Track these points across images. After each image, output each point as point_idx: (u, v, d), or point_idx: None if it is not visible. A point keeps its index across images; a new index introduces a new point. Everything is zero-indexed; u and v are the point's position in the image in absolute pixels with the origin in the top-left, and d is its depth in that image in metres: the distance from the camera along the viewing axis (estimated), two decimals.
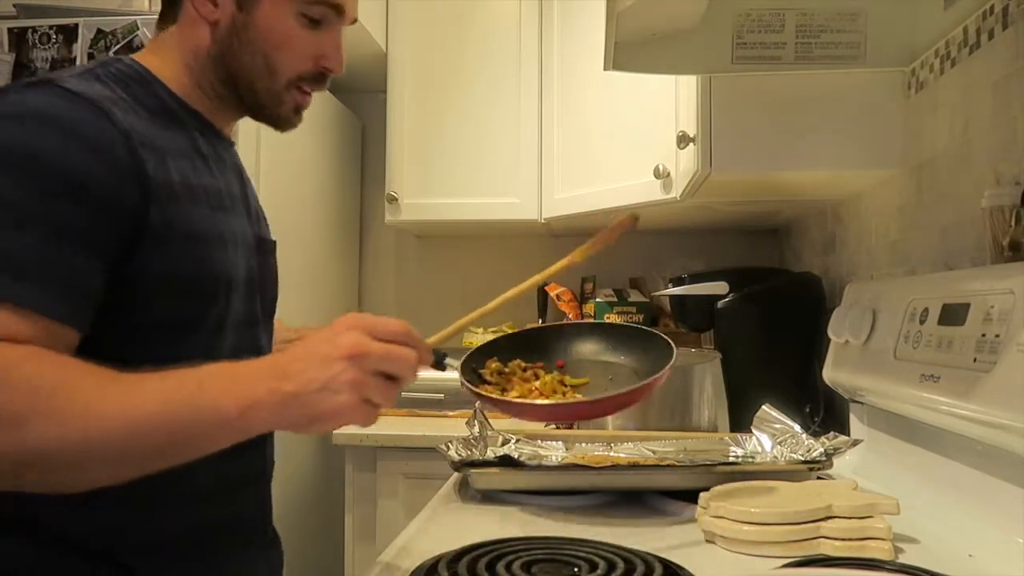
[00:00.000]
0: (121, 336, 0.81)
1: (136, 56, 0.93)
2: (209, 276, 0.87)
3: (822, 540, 0.89)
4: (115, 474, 0.71)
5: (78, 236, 0.75)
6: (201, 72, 0.93)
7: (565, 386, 1.04)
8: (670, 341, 1.09)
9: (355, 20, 0.98)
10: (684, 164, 1.71)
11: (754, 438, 1.31)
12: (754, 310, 1.71)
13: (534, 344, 1.12)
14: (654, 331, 1.12)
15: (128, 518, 0.83)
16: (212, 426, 0.70)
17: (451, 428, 1.81)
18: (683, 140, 1.60)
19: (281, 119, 0.97)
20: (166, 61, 0.92)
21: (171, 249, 0.83)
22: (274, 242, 1.06)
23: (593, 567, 0.79)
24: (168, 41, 0.94)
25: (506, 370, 1.04)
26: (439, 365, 0.91)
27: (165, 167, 0.83)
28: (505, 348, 1.10)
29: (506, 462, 1.14)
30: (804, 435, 1.23)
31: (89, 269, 0.76)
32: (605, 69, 1.35)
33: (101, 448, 0.68)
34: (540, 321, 2.40)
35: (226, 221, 0.92)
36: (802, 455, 1.18)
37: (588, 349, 1.14)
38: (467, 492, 1.22)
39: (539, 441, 1.40)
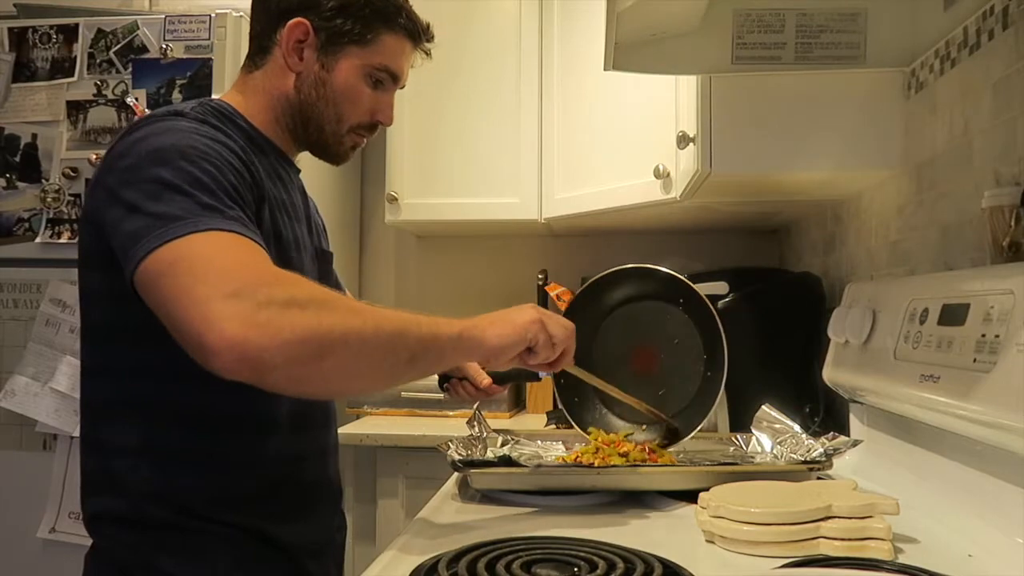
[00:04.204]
0: None
1: (222, 96, 1.12)
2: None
3: (822, 540, 0.89)
4: (384, 369, 0.87)
5: (246, 203, 0.94)
6: (282, 111, 1.11)
7: (642, 453, 1.26)
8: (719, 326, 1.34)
9: (404, 86, 1.18)
10: (684, 164, 1.71)
11: (754, 438, 1.32)
12: (754, 310, 1.71)
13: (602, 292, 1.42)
14: (705, 300, 1.35)
15: (204, 480, 0.98)
16: (444, 339, 0.91)
17: (451, 428, 1.81)
18: (683, 140, 1.60)
19: (338, 156, 1.17)
20: (250, 99, 1.11)
21: (268, 245, 0.96)
22: (331, 253, 1.24)
23: (593, 567, 0.79)
24: (253, 84, 1.12)
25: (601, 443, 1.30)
26: (535, 376, 1.31)
27: (263, 181, 1.02)
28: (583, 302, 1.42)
29: (506, 462, 1.14)
30: (804, 435, 1.23)
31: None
32: (605, 69, 1.35)
33: (383, 340, 0.85)
34: None
35: (299, 229, 1.11)
36: (802, 455, 1.18)
37: (654, 299, 1.42)
38: (467, 492, 1.22)
39: (539, 441, 1.40)
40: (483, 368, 1.31)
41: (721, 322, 1.35)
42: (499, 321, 0.99)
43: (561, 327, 1.05)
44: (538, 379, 1.38)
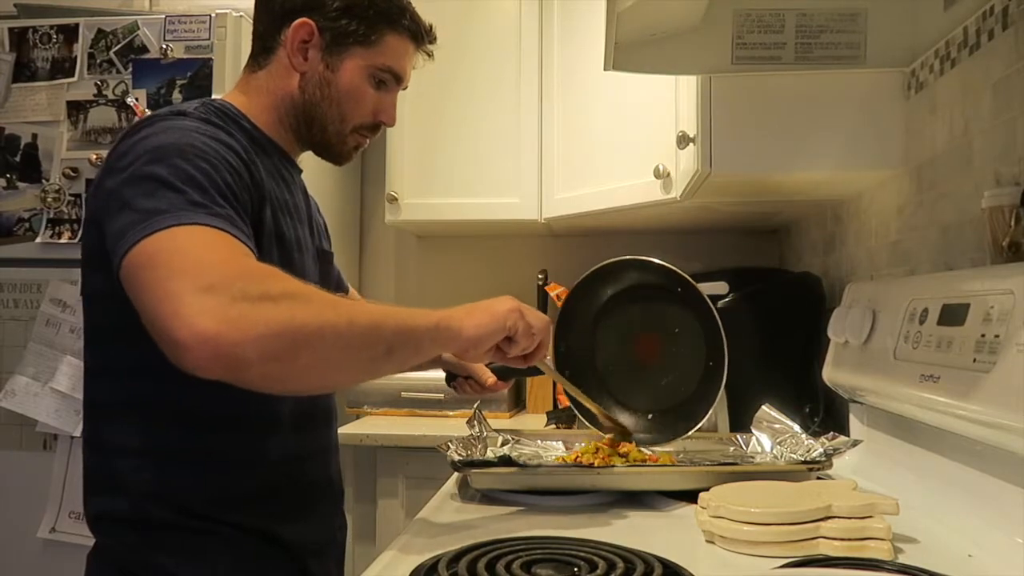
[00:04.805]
0: None
1: (225, 96, 1.12)
2: (292, 273, 1.00)
3: (822, 540, 0.89)
4: (361, 363, 0.87)
5: (240, 203, 0.93)
6: (285, 111, 1.12)
7: (642, 453, 1.27)
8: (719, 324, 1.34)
9: (407, 87, 1.19)
10: (684, 164, 1.71)
11: (754, 438, 1.32)
12: (754, 310, 1.71)
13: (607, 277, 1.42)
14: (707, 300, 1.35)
15: (205, 480, 0.99)
16: (420, 330, 0.91)
17: (451, 428, 1.81)
18: (683, 140, 1.60)
19: (342, 156, 1.18)
20: (253, 100, 1.11)
21: (269, 247, 1.00)
22: (331, 253, 1.24)
23: (593, 567, 0.79)
24: (256, 83, 1.12)
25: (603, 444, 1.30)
26: (537, 371, 1.25)
27: (265, 182, 1.02)
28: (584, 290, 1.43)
29: (506, 462, 1.14)
30: (804, 435, 1.23)
31: (251, 232, 0.93)
32: (605, 69, 1.35)
33: (358, 333, 0.84)
34: None
35: (301, 230, 1.11)
36: (802, 455, 1.18)
37: (652, 290, 1.41)
38: (467, 492, 1.22)
39: (539, 441, 1.40)
40: (460, 359, 1.29)
41: (721, 322, 1.35)
42: (477, 311, 0.98)
43: (538, 317, 1.04)
44: (541, 373, 1.36)
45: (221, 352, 0.74)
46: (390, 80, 1.15)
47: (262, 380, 0.80)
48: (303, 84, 1.10)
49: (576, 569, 0.80)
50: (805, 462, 1.14)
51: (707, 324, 1.37)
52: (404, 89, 1.19)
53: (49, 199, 1.96)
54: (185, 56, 1.95)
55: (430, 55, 1.20)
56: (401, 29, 1.13)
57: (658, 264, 1.40)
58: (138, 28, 1.98)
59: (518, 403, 2.37)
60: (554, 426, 1.92)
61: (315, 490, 1.12)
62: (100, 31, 1.99)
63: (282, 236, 1.04)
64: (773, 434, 1.28)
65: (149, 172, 0.88)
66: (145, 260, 0.81)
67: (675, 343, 1.40)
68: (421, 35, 1.16)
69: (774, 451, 1.26)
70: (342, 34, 1.10)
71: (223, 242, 0.84)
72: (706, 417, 1.33)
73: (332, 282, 1.23)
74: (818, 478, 1.13)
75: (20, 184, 1.98)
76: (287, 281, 0.83)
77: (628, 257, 1.43)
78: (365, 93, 1.13)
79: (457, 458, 1.17)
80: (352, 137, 1.16)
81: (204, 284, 0.76)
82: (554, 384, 2.27)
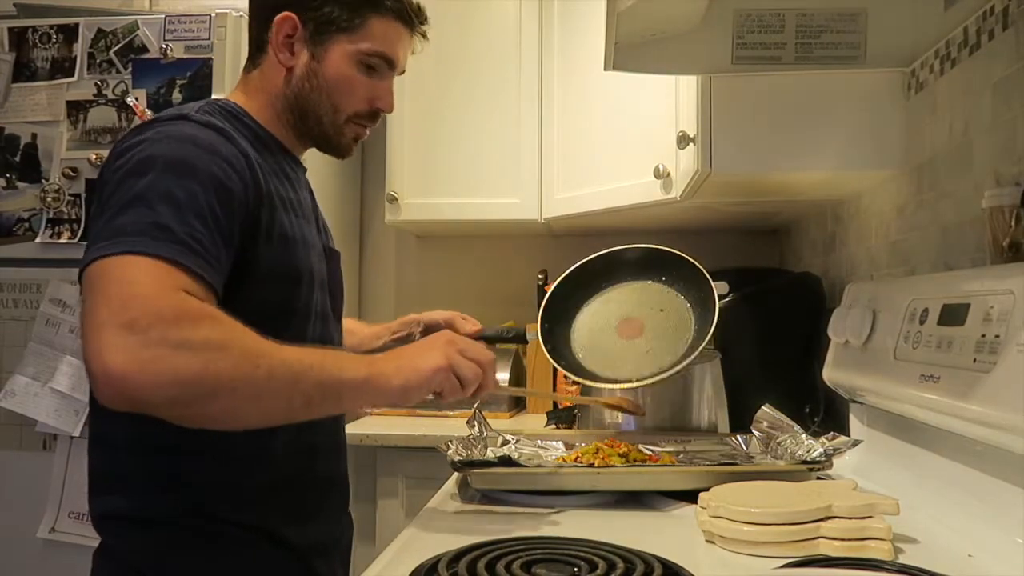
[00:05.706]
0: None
1: (228, 96, 1.13)
2: (298, 270, 1.05)
3: (822, 540, 0.89)
4: (275, 413, 0.87)
5: (217, 225, 0.91)
6: (281, 108, 1.12)
7: (642, 453, 1.29)
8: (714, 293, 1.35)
9: (403, 71, 1.17)
10: (684, 164, 1.71)
11: (754, 438, 1.31)
12: (754, 310, 1.71)
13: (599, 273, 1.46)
14: (702, 271, 1.36)
15: (213, 478, 1.00)
16: (347, 383, 0.89)
17: (451, 428, 1.81)
18: (683, 140, 1.60)
19: (341, 148, 1.16)
20: (252, 99, 1.12)
21: (272, 247, 1.01)
22: (338, 252, 1.23)
23: (593, 567, 0.79)
24: (252, 83, 1.13)
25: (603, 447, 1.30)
26: (522, 339, 1.34)
27: (268, 181, 1.02)
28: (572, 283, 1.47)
29: (506, 462, 1.14)
30: (804, 435, 1.23)
31: (227, 255, 0.93)
32: (605, 69, 1.35)
33: (276, 387, 0.84)
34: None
35: (306, 228, 1.11)
36: (802, 455, 1.18)
37: (642, 276, 1.44)
38: (467, 492, 1.22)
39: (539, 441, 1.40)
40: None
41: (718, 309, 1.35)
42: (405, 367, 0.94)
43: (471, 368, 0.97)
44: (526, 342, 1.39)
45: (127, 393, 0.77)
46: (381, 65, 1.13)
47: (171, 419, 0.82)
48: (291, 78, 1.10)
49: (576, 569, 0.80)
50: (805, 462, 1.14)
51: (696, 296, 1.38)
52: (401, 74, 1.17)
53: (49, 199, 1.96)
54: (185, 56, 1.95)
55: (424, 36, 1.18)
56: (384, 11, 1.11)
57: (642, 250, 1.42)
58: (138, 28, 1.98)
59: (518, 403, 2.37)
60: (554, 426, 1.92)
61: (323, 488, 1.12)
62: (100, 31, 1.99)
63: (285, 234, 1.04)
64: (773, 434, 1.28)
65: (131, 184, 0.89)
66: (90, 283, 0.83)
67: (662, 320, 1.41)
68: (408, 15, 1.14)
69: (774, 451, 1.25)
70: (325, 23, 1.09)
71: (165, 276, 0.84)
72: (694, 354, 1.32)
73: (338, 280, 1.22)
74: (818, 478, 1.13)
75: (20, 184, 1.98)
76: (214, 328, 0.83)
77: (612, 249, 1.45)
78: (355, 80, 1.11)
79: (457, 458, 1.16)
80: (349, 127, 1.14)
81: (126, 320, 0.78)
82: (554, 384, 2.28)
